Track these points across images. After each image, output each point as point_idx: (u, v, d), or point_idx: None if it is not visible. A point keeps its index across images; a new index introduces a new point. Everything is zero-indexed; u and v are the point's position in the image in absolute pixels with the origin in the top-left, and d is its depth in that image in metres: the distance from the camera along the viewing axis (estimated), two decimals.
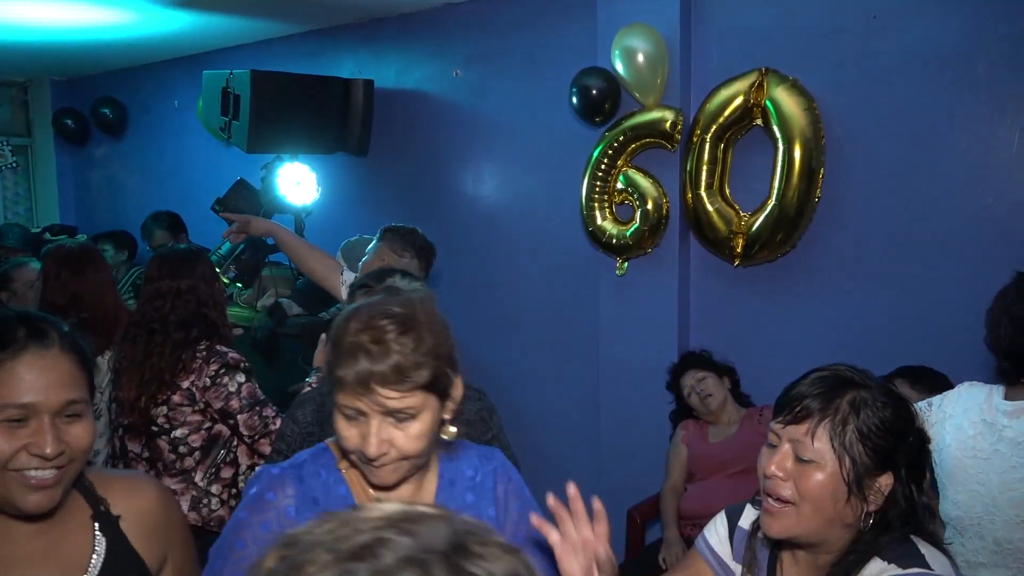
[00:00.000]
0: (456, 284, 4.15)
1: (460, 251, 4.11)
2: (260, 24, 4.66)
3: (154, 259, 2.62)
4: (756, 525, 1.44)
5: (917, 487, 1.31)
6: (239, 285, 3.93)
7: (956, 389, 2.06)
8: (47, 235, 5.72)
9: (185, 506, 2.47)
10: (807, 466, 1.29)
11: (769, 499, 1.33)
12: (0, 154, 6.28)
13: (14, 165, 6.38)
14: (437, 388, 1.24)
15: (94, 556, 1.25)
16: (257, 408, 2.49)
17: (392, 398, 1.19)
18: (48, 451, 1.13)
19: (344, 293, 2.91)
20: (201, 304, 2.51)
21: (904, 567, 1.25)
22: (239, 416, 2.47)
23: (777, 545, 1.42)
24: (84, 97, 6.38)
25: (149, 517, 1.33)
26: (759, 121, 3.16)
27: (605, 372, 3.69)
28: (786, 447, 1.31)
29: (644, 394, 3.52)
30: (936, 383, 2.44)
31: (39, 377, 1.14)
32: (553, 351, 3.99)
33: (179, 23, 4.59)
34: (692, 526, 3.15)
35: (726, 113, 3.18)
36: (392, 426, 1.22)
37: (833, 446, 1.27)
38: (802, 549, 1.37)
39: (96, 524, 1.27)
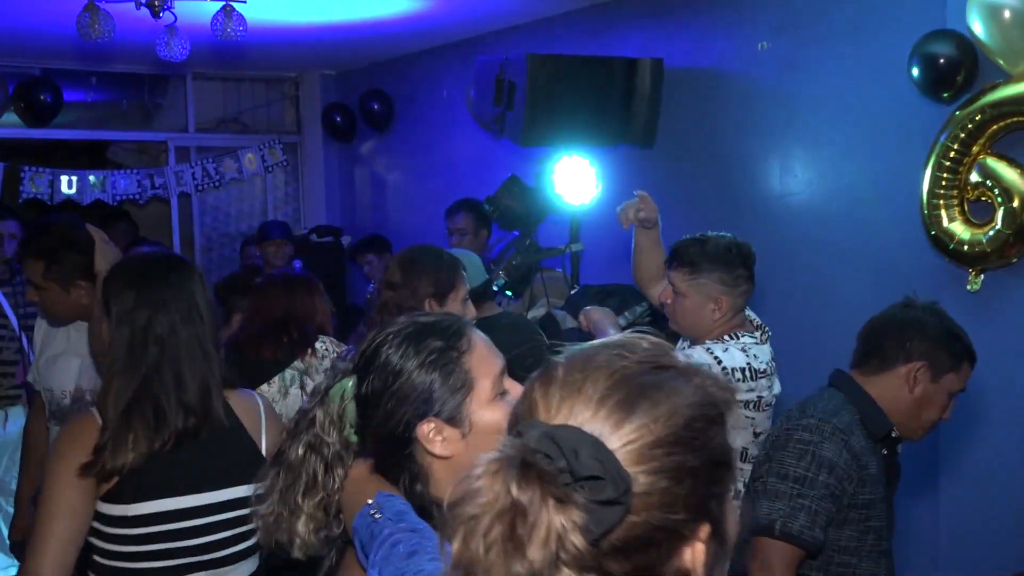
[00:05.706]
0: (758, 298, 4.08)
1: (764, 259, 3.93)
2: (537, 1, 4.88)
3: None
4: None
5: None
6: (508, 294, 4.05)
7: None
8: (314, 237, 6.40)
9: None
10: None
11: None
12: (271, 152, 7.03)
13: (284, 163, 7.13)
14: None
15: None
16: None
17: None
18: None
19: None
20: None
21: None
22: None
23: None
24: (352, 91, 6.99)
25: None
26: None
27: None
28: None
29: (1001, 442, 3.36)
30: None
31: None
32: None
33: (455, 7, 4.88)
34: None
35: None
36: None
37: None
38: None
39: None
